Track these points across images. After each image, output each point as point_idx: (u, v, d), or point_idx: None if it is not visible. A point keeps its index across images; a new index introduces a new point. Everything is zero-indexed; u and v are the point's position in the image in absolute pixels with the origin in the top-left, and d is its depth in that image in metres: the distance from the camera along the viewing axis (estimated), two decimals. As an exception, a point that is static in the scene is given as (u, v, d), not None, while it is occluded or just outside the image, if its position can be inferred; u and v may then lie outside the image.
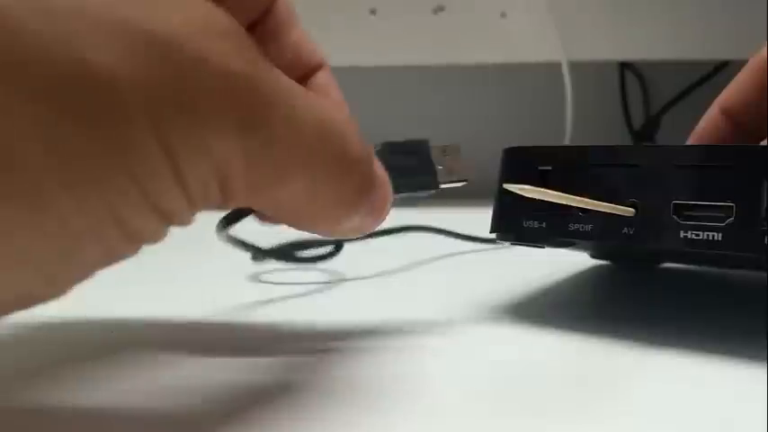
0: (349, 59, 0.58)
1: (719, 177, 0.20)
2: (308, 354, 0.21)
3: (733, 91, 0.29)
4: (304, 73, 0.22)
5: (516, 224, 0.23)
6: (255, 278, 0.31)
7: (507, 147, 0.24)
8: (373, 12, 0.61)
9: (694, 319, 0.25)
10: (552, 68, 0.63)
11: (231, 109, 0.14)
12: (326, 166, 0.16)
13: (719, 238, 0.20)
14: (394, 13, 0.62)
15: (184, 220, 0.15)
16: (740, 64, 0.29)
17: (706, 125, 0.29)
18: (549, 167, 0.23)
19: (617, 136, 0.75)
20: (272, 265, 0.31)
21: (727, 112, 0.29)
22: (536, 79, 0.69)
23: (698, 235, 0.20)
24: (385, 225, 0.21)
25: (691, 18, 0.62)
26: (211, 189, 0.15)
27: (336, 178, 0.17)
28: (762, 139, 0.29)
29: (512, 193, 0.20)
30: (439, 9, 0.62)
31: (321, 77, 0.22)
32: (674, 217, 0.20)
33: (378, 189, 0.18)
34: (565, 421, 0.16)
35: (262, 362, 0.20)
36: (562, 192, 0.21)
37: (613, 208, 0.21)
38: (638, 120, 0.75)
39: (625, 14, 0.62)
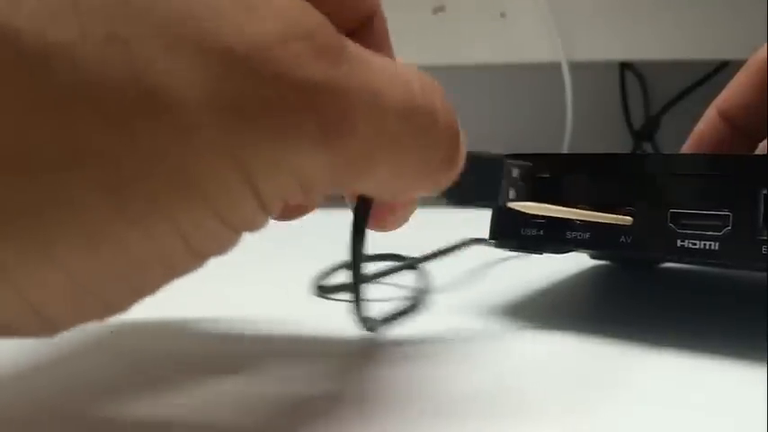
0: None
1: (717, 186, 0.20)
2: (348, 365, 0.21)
3: (731, 93, 0.29)
4: (360, 22, 0.21)
5: (515, 232, 0.24)
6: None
7: (507, 154, 0.24)
8: (373, 12, 0.61)
9: (694, 318, 0.25)
10: (552, 68, 0.63)
11: (312, 120, 0.13)
12: (414, 145, 0.15)
13: (716, 248, 0.20)
14: (394, 14, 0.62)
15: (259, 228, 0.14)
16: (740, 64, 0.29)
17: (704, 127, 0.29)
18: (547, 175, 0.23)
19: (617, 136, 0.75)
20: (338, 278, 0.29)
21: (725, 115, 0.29)
22: (536, 79, 0.69)
23: (695, 244, 0.20)
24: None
25: (691, 18, 0.62)
26: (291, 196, 0.14)
27: (424, 152, 0.16)
28: (760, 141, 0.29)
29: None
30: (439, 9, 0.62)
31: (378, 26, 0.21)
32: (672, 225, 0.20)
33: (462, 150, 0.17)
34: (563, 421, 0.16)
35: (323, 372, 0.20)
36: (559, 199, 0.22)
37: (612, 218, 0.21)
38: (638, 120, 0.75)
39: (625, 14, 0.62)
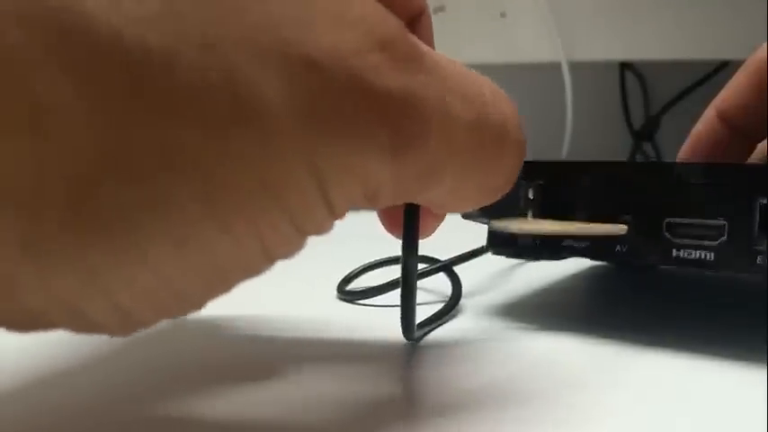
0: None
1: (712, 195, 0.20)
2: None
3: (730, 94, 0.28)
4: (411, 19, 0.21)
5: (511, 242, 0.24)
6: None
7: None
8: (373, 12, 0.61)
9: (694, 319, 0.25)
10: (552, 68, 0.63)
11: (384, 129, 0.13)
12: (481, 157, 0.15)
13: (711, 258, 0.20)
14: (394, 13, 0.62)
15: (326, 232, 0.14)
16: (740, 64, 0.29)
17: (702, 128, 0.29)
18: (542, 182, 0.23)
19: (617, 136, 0.75)
20: (364, 282, 0.29)
21: (723, 116, 0.29)
22: (536, 79, 0.68)
23: (690, 254, 0.20)
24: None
25: (691, 18, 0.62)
26: (358, 201, 0.14)
27: (495, 161, 0.16)
28: (759, 141, 0.29)
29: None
30: (439, 9, 0.62)
31: (425, 24, 0.21)
32: (667, 234, 0.20)
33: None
34: (562, 421, 0.16)
35: (350, 375, 0.20)
36: (555, 207, 0.22)
37: (606, 230, 0.21)
38: (638, 120, 0.74)
39: (625, 14, 0.62)
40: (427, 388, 0.19)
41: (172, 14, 0.11)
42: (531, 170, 0.23)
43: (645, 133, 0.74)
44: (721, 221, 0.20)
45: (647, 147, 0.74)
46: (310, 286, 0.30)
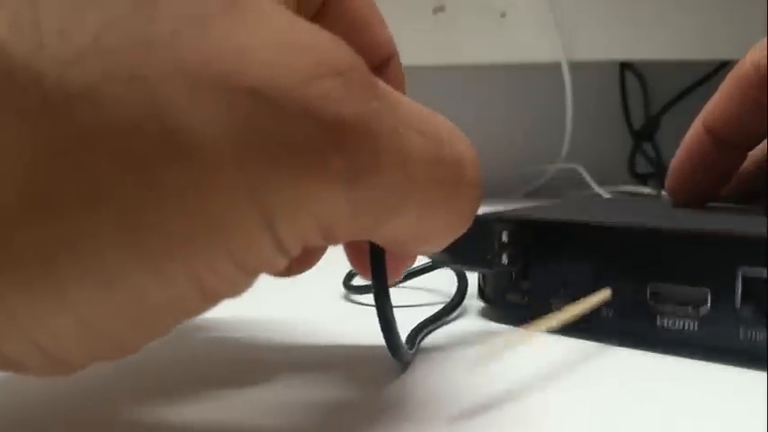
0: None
1: (695, 262, 0.20)
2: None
3: (716, 108, 0.28)
4: (380, 63, 0.21)
5: (502, 297, 0.24)
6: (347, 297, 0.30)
7: (496, 214, 0.24)
8: (373, 12, 0.61)
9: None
10: (552, 68, 0.63)
11: (338, 160, 0.13)
12: (440, 195, 0.15)
13: (695, 328, 0.20)
14: (394, 14, 0.62)
15: (276, 271, 0.14)
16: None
17: (691, 141, 0.29)
18: (532, 243, 0.23)
19: (617, 136, 0.75)
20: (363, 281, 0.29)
21: (710, 129, 0.28)
22: (536, 79, 0.69)
23: (674, 324, 0.20)
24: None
25: (691, 18, 0.62)
26: (312, 239, 0.13)
27: (451, 203, 0.16)
28: (750, 150, 0.29)
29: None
30: (439, 9, 0.62)
31: (395, 68, 0.21)
32: (651, 302, 0.21)
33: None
34: (562, 419, 0.16)
35: (339, 379, 0.20)
36: (547, 262, 0.22)
37: (593, 304, 0.20)
38: (638, 120, 0.75)
39: (625, 14, 0.62)
40: (426, 392, 0.19)
41: (98, 51, 0.11)
42: (523, 230, 0.23)
43: (645, 133, 0.74)
44: (704, 288, 0.20)
45: (647, 147, 0.74)
46: (316, 280, 0.30)
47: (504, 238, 0.22)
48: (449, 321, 0.25)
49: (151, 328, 0.13)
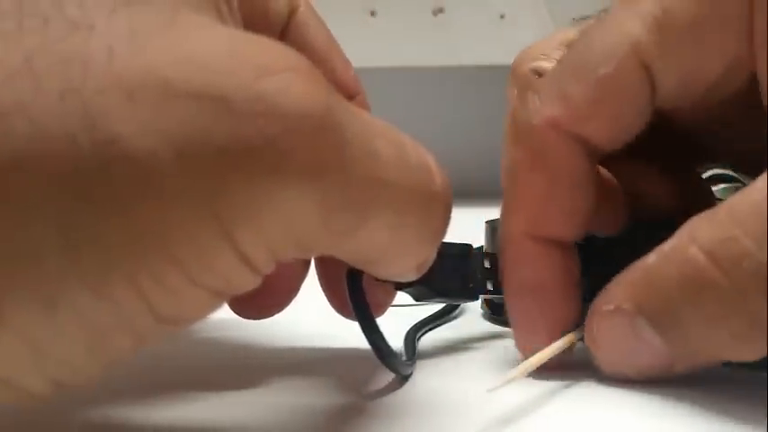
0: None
1: None
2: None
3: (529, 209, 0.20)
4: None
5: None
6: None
7: (488, 220, 0.23)
8: (373, 13, 0.61)
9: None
10: (551, 70, 0.63)
11: (300, 157, 0.12)
12: (411, 199, 0.14)
13: None
14: (393, 15, 0.62)
15: (249, 287, 0.13)
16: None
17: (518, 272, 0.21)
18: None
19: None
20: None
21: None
22: (535, 80, 0.68)
23: None
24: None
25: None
26: (283, 251, 0.13)
27: (422, 210, 0.15)
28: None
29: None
30: (438, 10, 0.62)
31: (359, 105, 0.20)
32: None
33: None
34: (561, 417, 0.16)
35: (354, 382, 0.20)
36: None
37: (558, 349, 0.19)
38: (637, 121, 0.74)
39: (624, 16, 0.62)
40: (425, 394, 0.19)
41: (31, 73, 0.11)
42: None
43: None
44: None
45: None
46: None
47: (487, 264, 0.21)
48: (449, 320, 0.25)
49: (105, 352, 0.12)
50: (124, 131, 0.11)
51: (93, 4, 0.12)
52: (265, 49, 0.13)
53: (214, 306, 0.13)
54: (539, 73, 0.24)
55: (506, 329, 0.24)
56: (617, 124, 0.19)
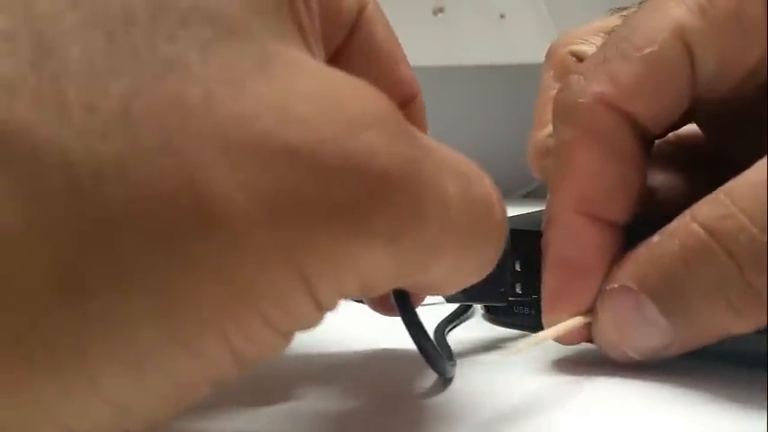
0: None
1: None
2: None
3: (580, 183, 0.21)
4: (405, 103, 0.20)
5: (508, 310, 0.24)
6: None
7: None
8: (373, 13, 0.61)
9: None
10: (552, 69, 0.63)
11: (381, 215, 0.12)
12: (474, 236, 0.15)
13: None
14: (393, 15, 0.62)
15: (313, 327, 0.13)
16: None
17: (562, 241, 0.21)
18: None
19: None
20: None
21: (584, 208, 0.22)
22: (536, 80, 0.68)
23: None
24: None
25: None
26: (352, 293, 0.13)
27: (482, 243, 0.15)
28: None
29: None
30: (438, 10, 0.62)
31: (418, 108, 0.21)
32: None
33: None
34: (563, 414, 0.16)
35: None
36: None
37: (566, 328, 0.20)
38: (637, 121, 0.74)
39: (624, 15, 0.62)
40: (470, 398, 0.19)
41: (127, 121, 0.11)
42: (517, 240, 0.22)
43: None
44: None
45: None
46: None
47: (518, 267, 0.22)
48: (465, 320, 0.25)
49: (183, 400, 0.13)
50: (222, 190, 0.11)
51: (185, 38, 0.11)
52: (355, 96, 0.13)
53: (286, 346, 0.13)
54: (577, 56, 0.25)
55: (506, 330, 0.24)
56: (660, 103, 0.20)
